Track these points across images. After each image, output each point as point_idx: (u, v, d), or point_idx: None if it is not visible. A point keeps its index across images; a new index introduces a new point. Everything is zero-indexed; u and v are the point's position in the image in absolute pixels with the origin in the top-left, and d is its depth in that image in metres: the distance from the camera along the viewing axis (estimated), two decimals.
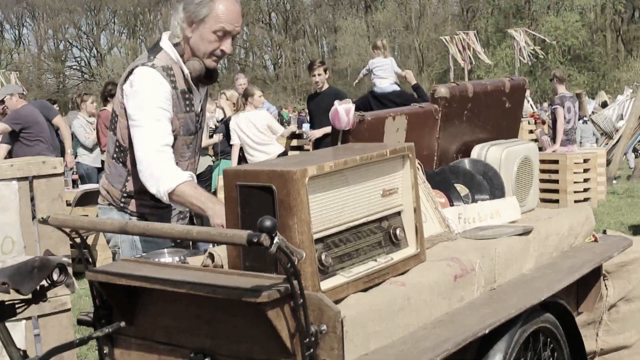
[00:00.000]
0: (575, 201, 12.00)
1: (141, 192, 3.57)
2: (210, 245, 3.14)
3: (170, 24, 3.65)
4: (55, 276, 2.69)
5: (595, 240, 3.80)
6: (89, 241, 8.04)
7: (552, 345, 3.24)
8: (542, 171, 12.53)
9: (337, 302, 2.52)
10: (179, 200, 3.38)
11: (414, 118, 3.58)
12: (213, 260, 2.79)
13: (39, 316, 3.18)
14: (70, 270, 3.24)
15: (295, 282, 2.32)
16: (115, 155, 3.67)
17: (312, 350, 2.36)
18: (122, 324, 2.71)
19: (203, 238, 2.35)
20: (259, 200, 2.52)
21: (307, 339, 2.35)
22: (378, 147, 2.89)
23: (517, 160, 3.81)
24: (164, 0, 61.03)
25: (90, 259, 2.76)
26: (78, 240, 2.76)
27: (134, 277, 2.62)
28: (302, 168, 2.46)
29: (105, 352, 2.91)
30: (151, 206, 3.63)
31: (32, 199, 3.31)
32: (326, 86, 10.26)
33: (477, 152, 3.83)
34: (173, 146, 3.52)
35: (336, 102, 3.26)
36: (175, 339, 2.73)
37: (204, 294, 2.46)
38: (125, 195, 3.67)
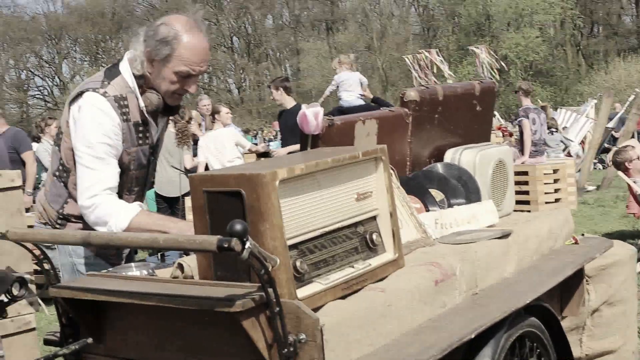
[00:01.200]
0: None
1: (79, 217, 3.35)
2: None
3: (131, 47, 3.39)
4: (15, 291, 2.55)
5: (576, 243, 3.72)
6: None
7: (538, 351, 3.14)
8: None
9: (314, 310, 2.40)
10: (137, 232, 3.15)
11: (385, 122, 3.48)
12: (183, 271, 2.66)
13: (2, 336, 3.04)
14: (33, 288, 3.11)
15: (270, 290, 2.20)
16: (57, 174, 3.45)
17: None
18: (90, 340, 2.58)
19: (170, 246, 2.22)
20: (228, 206, 2.41)
21: (286, 349, 2.24)
22: (350, 149, 2.78)
23: (491, 164, 3.73)
24: (124, 27, 60.82)
25: (53, 275, 2.63)
26: (41, 256, 2.63)
27: (100, 292, 2.49)
28: (272, 171, 2.35)
29: None
30: (89, 230, 3.32)
31: None
32: (292, 104, 10.09)
33: (450, 156, 3.74)
34: (120, 180, 3.32)
35: (304, 106, 3.15)
36: (147, 356, 2.60)
37: (174, 306, 2.34)
38: (61, 217, 3.44)
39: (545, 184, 11.97)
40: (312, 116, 3.13)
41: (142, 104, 3.35)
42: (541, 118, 12.73)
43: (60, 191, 3.42)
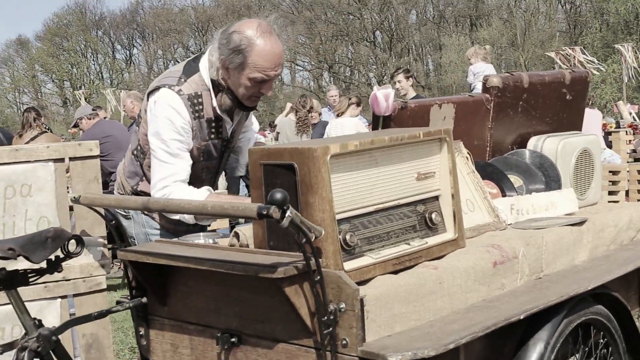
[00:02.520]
0: None
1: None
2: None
3: (210, 49, 3.46)
4: (71, 248, 2.71)
5: None
6: None
7: (605, 340, 3.11)
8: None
9: (363, 282, 2.48)
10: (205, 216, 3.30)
11: (463, 107, 3.49)
12: (239, 240, 2.77)
13: (74, 295, 3.22)
14: (107, 252, 3.28)
15: (312, 259, 2.28)
16: (135, 153, 3.64)
17: (331, 328, 2.32)
18: (144, 299, 2.72)
19: (217, 212, 2.33)
20: (282, 178, 2.50)
21: (326, 317, 2.31)
22: (412, 130, 2.83)
23: (575, 153, 3.69)
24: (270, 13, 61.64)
25: (122, 239, 2.78)
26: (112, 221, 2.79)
27: (160, 256, 2.63)
28: (323, 145, 2.43)
29: (141, 333, 2.93)
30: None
31: None
32: (412, 94, 10.10)
33: (533, 143, 3.72)
34: (192, 170, 3.47)
35: (375, 87, 3.21)
36: (205, 320, 2.72)
37: (223, 271, 2.45)
38: (135, 193, 3.64)
39: None
40: (383, 97, 3.19)
41: (215, 103, 3.46)
42: None
43: (137, 169, 3.63)
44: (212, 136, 3.54)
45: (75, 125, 10.28)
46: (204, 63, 3.48)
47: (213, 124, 3.51)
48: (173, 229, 3.56)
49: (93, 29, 63.48)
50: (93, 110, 10.27)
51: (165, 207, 2.52)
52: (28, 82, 61.29)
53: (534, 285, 2.93)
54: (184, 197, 3.32)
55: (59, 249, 2.69)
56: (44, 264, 2.69)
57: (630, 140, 14.02)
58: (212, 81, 3.45)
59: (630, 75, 27.08)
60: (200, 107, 3.44)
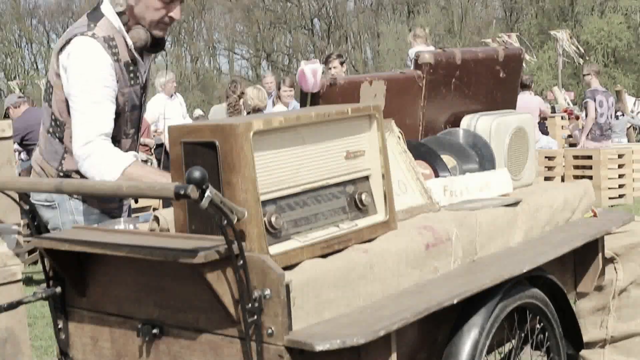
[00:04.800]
0: (610, 197, 11.74)
1: (80, 171, 3.32)
2: None
3: None
4: None
5: (595, 216, 3.58)
6: None
7: (542, 324, 3.03)
8: (576, 167, 12.28)
9: (290, 267, 2.36)
10: None
11: (394, 84, 3.38)
12: (159, 224, 2.63)
13: None
14: (21, 239, 3.11)
15: (234, 243, 2.16)
16: (51, 130, 3.43)
17: (255, 317, 2.20)
18: (58, 289, 2.57)
19: (132, 193, 2.19)
20: (203, 157, 2.36)
21: (250, 305, 2.19)
22: (340, 106, 2.71)
23: (509, 131, 3.60)
24: (207, 8, 61.32)
25: (38, 226, 2.62)
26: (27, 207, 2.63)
27: (77, 242, 2.47)
28: (246, 122, 2.30)
29: (59, 327, 2.76)
30: None
31: None
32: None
33: (466, 122, 3.62)
34: (116, 123, 3.30)
35: (302, 62, 3.09)
36: (125, 310, 2.57)
37: (142, 257, 2.31)
38: (61, 174, 3.42)
39: (609, 169, 11.70)
40: (310, 73, 3.06)
41: (130, 42, 3.34)
42: (609, 102, 12.44)
43: (57, 147, 3.41)
44: (132, 82, 3.39)
45: (6, 116, 10.05)
46: (106, 7, 3.37)
47: (131, 68, 3.38)
48: (107, 207, 3.40)
49: (27, 18, 62.41)
50: (19, 97, 10.03)
51: (79, 189, 2.36)
52: None
53: (468, 269, 2.84)
54: (108, 160, 3.17)
55: None
56: None
57: (563, 126, 14.13)
58: (120, 18, 3.35)
59: (567, 61, 27.35)
60: (116, 49, 3.31)
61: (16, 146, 9.74)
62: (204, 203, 2.03)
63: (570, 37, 27.97)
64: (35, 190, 2.56)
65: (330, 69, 10.02)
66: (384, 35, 57.35)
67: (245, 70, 63.62)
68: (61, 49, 3.32)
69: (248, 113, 10.99)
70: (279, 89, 11.09)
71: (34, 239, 2.57)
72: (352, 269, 2.44)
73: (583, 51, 28.77)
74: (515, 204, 3.19)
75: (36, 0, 63.49)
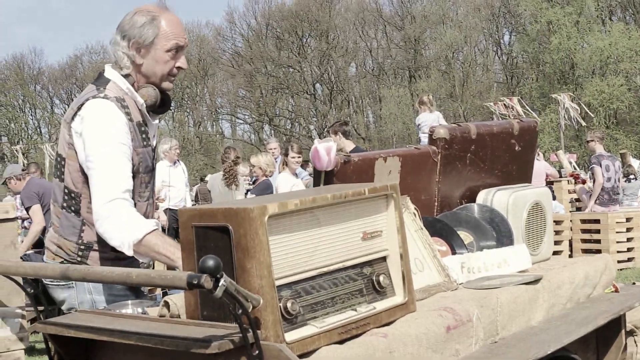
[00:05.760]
0: (619, 261, 11.62)
1: (101, 242, 3.24)
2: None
3: (113, 57, 3.40)
4: None
5: (616, 291, 3.48)
6: None
7: None
8: (583, 231, 12.18)
9: (306, 354, 2.25)
10: (144, 251, 3.10)
11: (409, 160, 3.31)
12: (169, 310, 2.53)
13: None
14: (25, 323, 3.01)
15: (249, 331, 2.06)
16: (65, 205, 3.34)
17: None
18: None
19: (142, 281, 2.09)
20: (215, 242, 2.27)
21: None
22: (356, 186, 2.62)
23: (527, 206, 3.52)
24: (210, 74, 61.78)
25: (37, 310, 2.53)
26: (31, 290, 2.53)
27: (83, 329, 2.38)
28: (260, 205, 2.21)
29: None
30: (113, 258, 3.27)
31: None
32: (351, 147, 9.89)
33: (482, 197, 3.54)
34: (132, 186, 3.24)
35: (316, 141, 3.02)
36: None
37: (151, 345, 2.21)
38: (82, 247, 3.32)
39: (617, 232, 11.60)
40: (324, 151, 2.99)
41: (140, 101, 3.33)
42: (615, 166, 12.40)
43: (74, 221, 3.32)
44: (145, 143, 3.36)
45: (4, 183, 9.98)
46: (110, 73, 3.38)
47: (143, 129, 3.36)
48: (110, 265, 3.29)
49: (31, 84, 62.90)
50: (23, 170, 9.97)
51: (86, 276, 2.26)
52: None
53: (490, 351, 2.73)
54: (130, 222, 3.10)
55: None
56: None
57: (569, 190, 14.04)
58: (128, 79, 3.37)
59: (569, 123, 27.41)
60: (128, 109, 3.29)
61: (21, 212, 9.65)
62: (218, 292, 1.94)
63: (572, 100, 28.13)
64: (39, 276, 2.47)
65: (334, 135, 9.90)
66: (386, 99, 57.74)
67: (247, 134, 63.89)
68: (73, 117, 3.27)
69: (252, 182, 10.94)
70: (285, 154, 11.02)
71: (40, 324, 2.47)
72: (371, 355, 2.33)
73: (586, 111, 28.87)
74: (536, 281, 3.09)
75: (40, 66, 63.62)
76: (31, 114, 63.12)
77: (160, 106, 3.42)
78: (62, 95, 64.07)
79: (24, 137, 59.98)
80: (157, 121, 3.53)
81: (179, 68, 3.38)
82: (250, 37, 61.35)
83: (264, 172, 10.76)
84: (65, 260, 3.36)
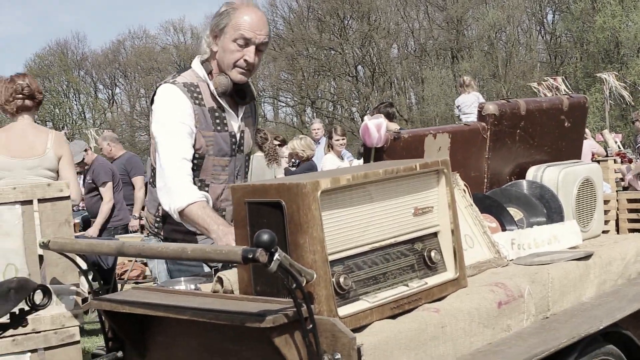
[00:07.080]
0: None
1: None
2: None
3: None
4: (37, 299, 2.48)
5: None
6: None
7: None
8: (630, 210, 12.03)
9: (359, 329, 2.27)
10: (187, 219, 3.18)
11: (458, 136, 3.30)
12: (222, 285, 2.55)
13: (45, 348, 2.98)
14: (79, 300, 3.05)
15: (303, 305, 2.07)
16: (150, 180, 3.53)
17: None
18: (119, 354, 2.50)
19: (198, 256, 2.12)
20: (268, 217, 2.29)
21: None
22: (408, 162, 2.62)
23: (577, 182, 3.50)
24: None
25: (92, 287, 2.56)
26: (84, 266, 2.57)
27: (137, 305, 2.41)
28: (313, 181, 2.22)
29: None
30: (185, 232, 3.37)
31: None
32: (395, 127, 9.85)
33: (532, 173, 3.52)
34: (201, 165, 3.36)
35: (366, 118, 3.02)
36: None
37: (206, 320, 2.23)
38: (158, 220, 3.50)
39: None
40: (374, 128, 2.99)
41: (212, 88, 3.41)
42: None
43: (155, 195, 3.45)
44: (218, 127, 3.43)
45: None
46: (195, 61, 3.54)
47: (216, 114, 3.44)
48: (181, 239, 3.40)
49: (75, 69, 63.32)
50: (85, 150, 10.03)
51: (141, 252, 2.30)
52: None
53: (541, 326, 2.73)
54: (178, 190, 3.20)
55: (24, 301, 2.45)
56: (6, 318, 2.45)
57: (615, 170, 13.88)
58: (206, 68, 3.47)
59: (615, 103, 27.09)
60: (199, 95, 3.41)
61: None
62: (273, 267, 1.95)
63: (618, 79, 27.78)
64: (94, 253, 2.51)
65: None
66: (428, 80, 57.31)
67: (290, 117, 63.86)
68: (151, 102, 3.45)
69: (294, 164, 10.93)
70: (329, 137, 10.99)
71: (94, 300, 2.51)
72: (423, 330, 2.34)
73: (631, 91, 28.48)
74: (587, 257, 3.07)
75: (84, 52, 64.05)
76: (75, 99, 63.60)
77: (238, 96, 3.48)
78: (105, 80, 64.48)
79: (68, 122, 60.41)
80: (243, 109, 3.56)
81: (245, 61, 3.39)
82: (291, 20, 61.25)
83: (301, 157, 10.73)
84: (149, 233, 3.59)
